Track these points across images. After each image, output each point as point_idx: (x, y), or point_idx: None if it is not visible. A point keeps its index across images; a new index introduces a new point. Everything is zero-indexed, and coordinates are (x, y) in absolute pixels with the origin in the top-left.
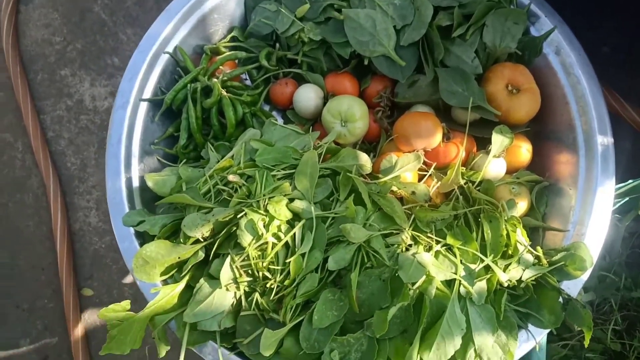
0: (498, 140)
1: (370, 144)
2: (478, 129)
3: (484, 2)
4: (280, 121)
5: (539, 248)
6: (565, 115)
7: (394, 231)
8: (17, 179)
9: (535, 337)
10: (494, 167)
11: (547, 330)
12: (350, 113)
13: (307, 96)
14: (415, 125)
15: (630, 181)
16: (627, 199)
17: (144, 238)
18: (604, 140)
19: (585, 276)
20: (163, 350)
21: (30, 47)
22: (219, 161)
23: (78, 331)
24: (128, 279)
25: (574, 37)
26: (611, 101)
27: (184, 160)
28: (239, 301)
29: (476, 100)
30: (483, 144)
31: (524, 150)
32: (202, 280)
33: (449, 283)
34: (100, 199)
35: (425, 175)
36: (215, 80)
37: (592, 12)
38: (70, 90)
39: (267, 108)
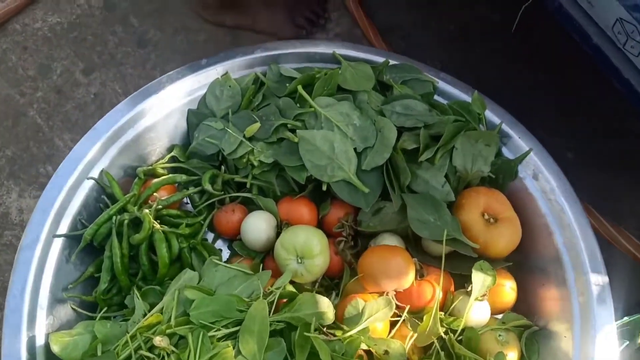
0: (479, 280)
1: (332, 280)
2: (453, 263)
3: (451, 122)
4: (225, 252)
5: None
6: (550, 248)
7: None
8: None
9: None
10: (476, 311)
11: None
12: (308, 248)
13: (258, 226)
14: (384, 262)
15: (625, 318)
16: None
17: None
18: (599, 280)
19: None
20: None
21: None
22: (145, 313)
23: None
24: None
25: (552, 159)
26: (594, 225)
27: (105, 309)
28: None
29: (451, 232)
30: (460, 280)
31: (508, 289)
32: None
33: None
34: None
35: (398, 321)
36: (146, 211)
37: (548, 118)
38: None
39: (211, 236)
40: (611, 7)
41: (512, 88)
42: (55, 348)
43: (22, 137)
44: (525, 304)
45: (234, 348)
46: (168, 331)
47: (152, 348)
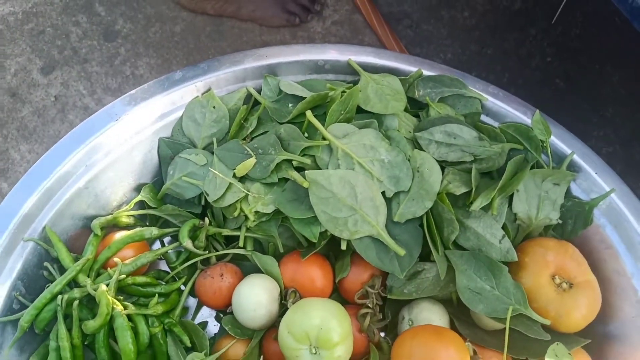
0: None
1: None
2: (516, 343)
3: (508, 154)
4: (212, 325)
5: None
6: (636, 313)
7: None
8: None
9: None
10: None
11: None
12: (325, 334)
13: (255, 298)
14: (429, 353)
15: None
16: None
17: None
18: None
19: None
20: None
21: None
22: None
23: None
24: None
25: (638, 201)
26: None
27: None
28: None
29: (518, 308)
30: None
31: None
32: None
33: None
34: None
35: None
36: (103, 287)
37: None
38: None
39: (193, 302)
40: None
41: (537, 88)
42: None
43: None
44: None
45: None
46: None
47: None
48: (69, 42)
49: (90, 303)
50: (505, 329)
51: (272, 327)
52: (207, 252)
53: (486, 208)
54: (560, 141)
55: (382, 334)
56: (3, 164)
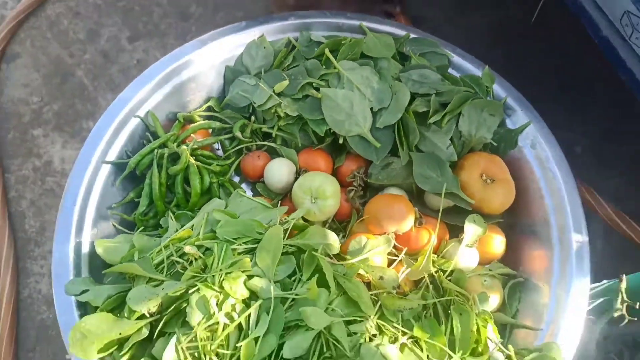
0: (471, 230)
1: (341, 223)
2: (451, 216)
3: (461, 91)
4: (249, 193)
5: (510, 347)
6: (541, 210)
7: (358, 318)
8: None
9: None
10: (466, 257)
11: None
12: (322, 190)
13: (279, 171)
14: (388, 207)
15: (604, 281)
16: (601, 300)
17: (86, 309)
18: (579, 238)
19: None
20: None
21: (5, 105)
22: (177, 230)
23: None
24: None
25: (550, 132)
26: (587, 197)
27: (142, 228)
28: None
29: (450, 187)
30: (455, 231)
31: (497, 242)
32: None
33: None
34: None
35: (395, 260)
36: (184, 147)
37: (565, 115)
38: (40, 151)
39: (236, 179)
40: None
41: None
42: (99, 249)
43: (68, 94)
44: (512, 259)
45: (251, 260)
46: (197, 243)
47: (182, 255)
48: (151, 19)
49: (172, 161)
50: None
51: (287, 192)
52: (250, 141)
53: (440, 125)
54: (501, 89)
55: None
56: (92, 107)
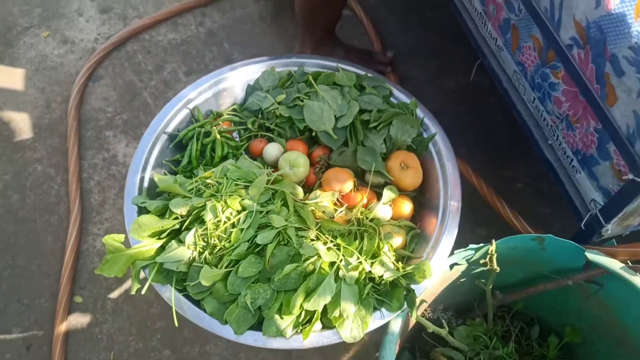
0: (387, 193)
1: (309, 188)
2: (379, 188)
3: (393, 110)
4: None
5: (394, 254)
6: (436, 188)
7: (304, 227)
8: (49, 204)
9: (386, 317)
10: (382, 210)
11: (396, 314)
12: (296, 161)
13: (273, 151)
14: (336, 174)
15: (481, 244)
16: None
17: (142, 214)
18: (454, 204)
19: (425, 283)
20: (135, 287)
21: (88, 112)
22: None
23: (61, 329)
24: (112, 295)
25: (447, 139)
26: (472, 179)
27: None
28: (194, 257)
29: (378, 167)
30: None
31: (406, 206)
32: (172, 242)
33: (332, 266)
34: (109, 230)
35: (337, 210)
36: (214, 128)
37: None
38: (109, 147)
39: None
40: (509, 61)
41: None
42: (156, 178)
43: (135, 109)
44: (416, 219)
45: (245, 191)
46: (214, 179)
47: (205, 185)
48: (203, 60)
49: (206, 136)
50: (371, 177)
51: (276, 166)
52: (258, 131)
53: (377, 130)
54: (421, 112)
55: None
56: (151, 119)
